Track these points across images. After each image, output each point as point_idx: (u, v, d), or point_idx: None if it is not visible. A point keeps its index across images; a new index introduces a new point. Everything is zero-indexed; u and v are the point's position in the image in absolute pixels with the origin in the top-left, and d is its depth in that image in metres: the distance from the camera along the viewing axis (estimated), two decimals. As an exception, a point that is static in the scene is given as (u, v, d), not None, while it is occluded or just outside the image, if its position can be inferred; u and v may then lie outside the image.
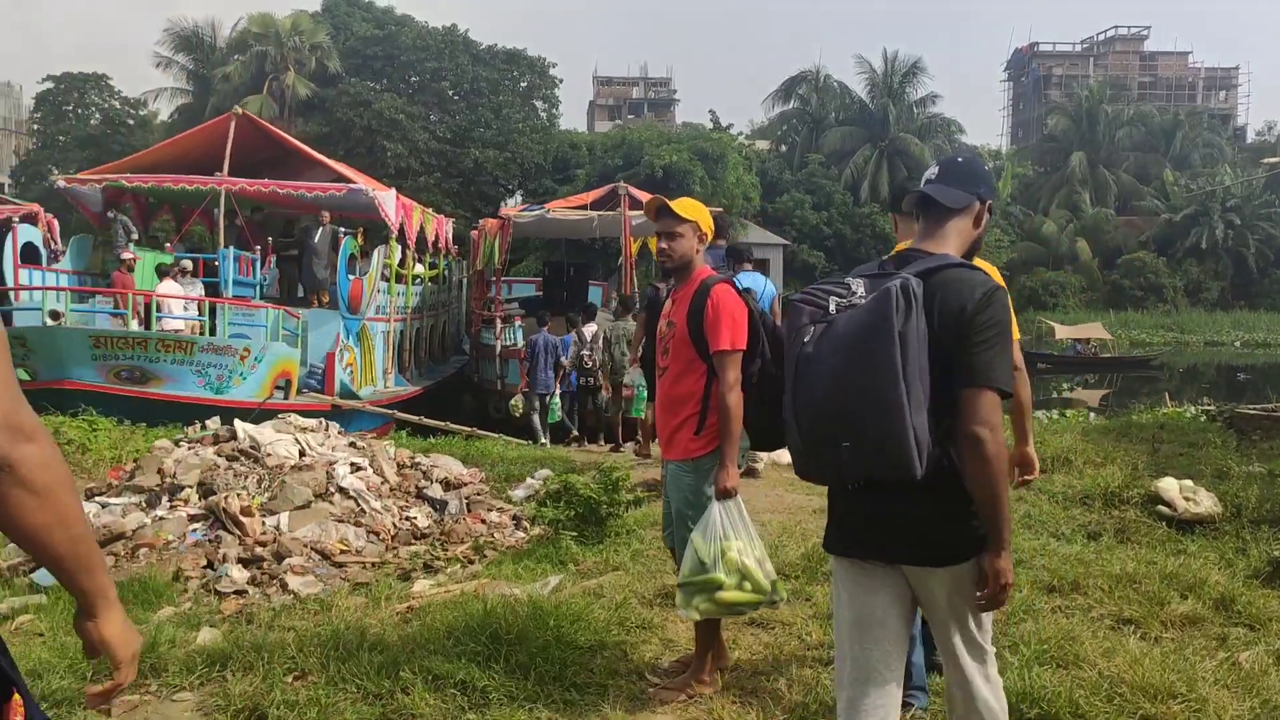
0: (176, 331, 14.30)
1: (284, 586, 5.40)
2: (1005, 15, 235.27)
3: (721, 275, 4.14)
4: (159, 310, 14.55)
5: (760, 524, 6.47)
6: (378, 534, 6.33)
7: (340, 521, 6.26)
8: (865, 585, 2.65)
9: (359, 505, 6.50)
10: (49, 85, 50.92)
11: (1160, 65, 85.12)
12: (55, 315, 13.67)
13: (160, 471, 6.53)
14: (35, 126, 57.88)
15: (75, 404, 13.01)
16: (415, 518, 6.63)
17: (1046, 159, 64.09)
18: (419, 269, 21.63)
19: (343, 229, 17.38)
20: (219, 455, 6.64)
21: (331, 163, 18.77)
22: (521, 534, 6.73)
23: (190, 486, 6.32)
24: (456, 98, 44.01)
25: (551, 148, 43.30)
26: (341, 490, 6.53)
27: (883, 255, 3.03)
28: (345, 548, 6.08)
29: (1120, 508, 7.08)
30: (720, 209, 23.89)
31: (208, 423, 7.50)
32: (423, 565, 5.97)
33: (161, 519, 6.04)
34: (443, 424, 15.58)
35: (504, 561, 6.04)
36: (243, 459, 6.62)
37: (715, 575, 3.76)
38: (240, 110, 17.72)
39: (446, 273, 24.47)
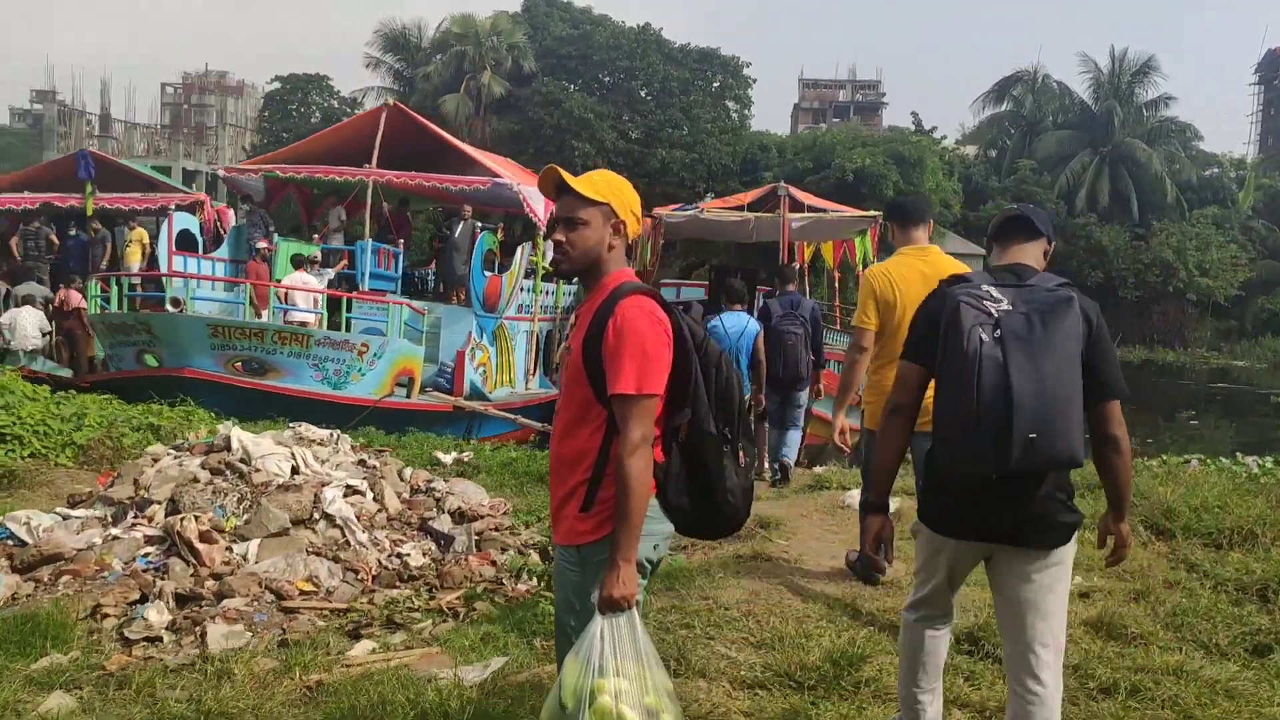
0: (303, 324, 14.03)
1: (202, 636, 4.54)
2: (1256, 13, 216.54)
3: (640, 284, 2.90)
4: (285, 301, 14.36)
5: (800, 595, 5.14)
6: (357, 572, 5.40)
7: (316, 554, 5.37)
8: (963, 558, 3.14)
9: (344, 536, 5.61)
10: (277, 85, 53.84)
11: None
12: (176, 303, 13.63)
13: (136, 483, 5.84)
14: (264, 125, 61.54)
15: (193, 392, 12.89)
16: (408, 555, 5.66)
17: (1299, 169, 57.69)
18: (575, 268, 20.96)
19: (479, 223, 16.79)
20: (203, 468, 5.89)
21: (482, 157, 18.24)
22: (536, 580, 5.66)
23: (159, 502, 5.59)
24: (647, 97, 43.48)
25: (741, 149, 42.09)
26: (327, 517, 5.65)
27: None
28: (312, 587, 5.18)
29: (1310, 611, 5.32)
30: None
31: (219, 427, 6.81)
32: (387, 619, 4.99)
33: (115, 539, 5.33)
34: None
35: (480, 622, 4.98)
36: (228, 473, 5.85)
37: (576, 728, 2.54)
38: (391, 102, 17.46)
39: (609, 273, 23.73)
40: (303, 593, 5.10)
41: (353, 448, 6.73)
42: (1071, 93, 52.24)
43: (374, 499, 6.01)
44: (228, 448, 6.12)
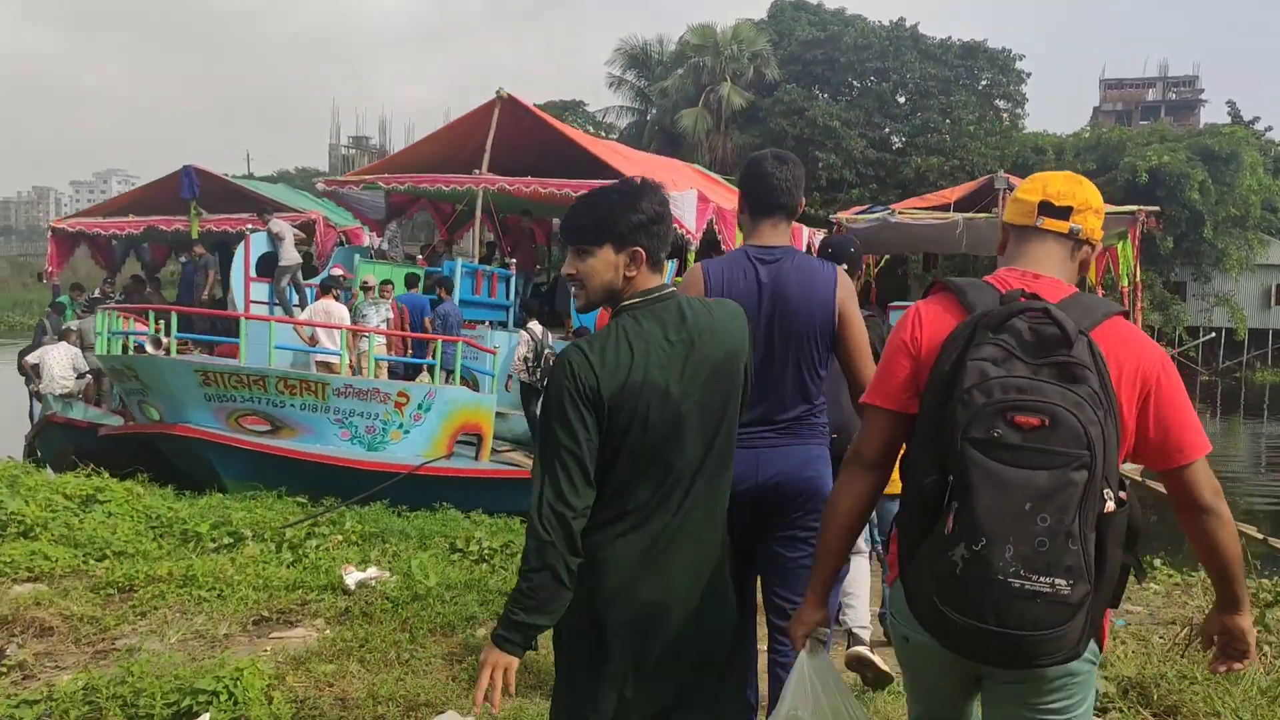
0: (329, 367, 11.11)
1: None
2: None
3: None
4: (314, 341, 11.50)
5: None
6: None
7: None
8: None
9: None
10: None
11: None
12: (157, 343, 10.94)
13: None
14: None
15: (206, 456, 10.24)
16: None
17: None
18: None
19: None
20: None
21: (613, 158, 14.73)
22: None
23: None
24: (902, 101, 38.62)
25: (1010, 152, 36.32)
26: None
27: None
28: None
29: None
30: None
31: None
32: None
33: None
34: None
35: None
36: None
37: None
38: (505, 93, 14.33)
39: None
40: None
41: None
42: None
43: None
44: None
